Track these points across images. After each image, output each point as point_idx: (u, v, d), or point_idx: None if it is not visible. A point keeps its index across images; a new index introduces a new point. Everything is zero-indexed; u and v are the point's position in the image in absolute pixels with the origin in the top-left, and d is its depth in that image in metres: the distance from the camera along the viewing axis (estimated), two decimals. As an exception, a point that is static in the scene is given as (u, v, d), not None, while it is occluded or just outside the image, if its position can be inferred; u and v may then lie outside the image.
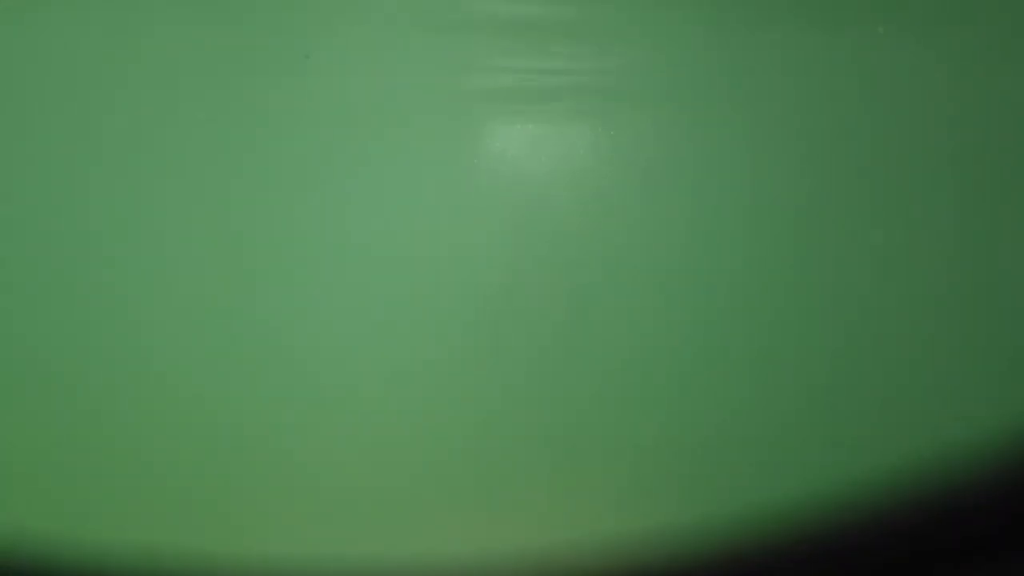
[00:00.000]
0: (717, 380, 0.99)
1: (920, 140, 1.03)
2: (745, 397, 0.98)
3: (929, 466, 0.80)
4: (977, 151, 1.03)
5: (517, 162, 1.05)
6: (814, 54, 1.04)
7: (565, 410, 0.98)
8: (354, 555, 0.93)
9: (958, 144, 1.03)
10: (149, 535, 0.91)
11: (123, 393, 0.98)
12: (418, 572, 0.87)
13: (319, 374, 0.99)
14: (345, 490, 0.97)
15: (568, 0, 1.06)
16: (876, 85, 1.05)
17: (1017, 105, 1.03)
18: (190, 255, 1.01)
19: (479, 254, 1.02)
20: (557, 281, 1.01)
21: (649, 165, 1.04)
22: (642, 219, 1.03)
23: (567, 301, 1.01)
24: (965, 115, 1.04)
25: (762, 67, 1.05)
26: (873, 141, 1.04)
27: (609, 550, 0.89)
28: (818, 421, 0.96)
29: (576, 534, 0.94)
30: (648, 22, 1.05)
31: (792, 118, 1.05)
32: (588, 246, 1.02)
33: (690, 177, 1.04)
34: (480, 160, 1.04)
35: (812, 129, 1.04)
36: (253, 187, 1.03)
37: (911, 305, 0.99)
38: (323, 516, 0.96)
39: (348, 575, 0.89)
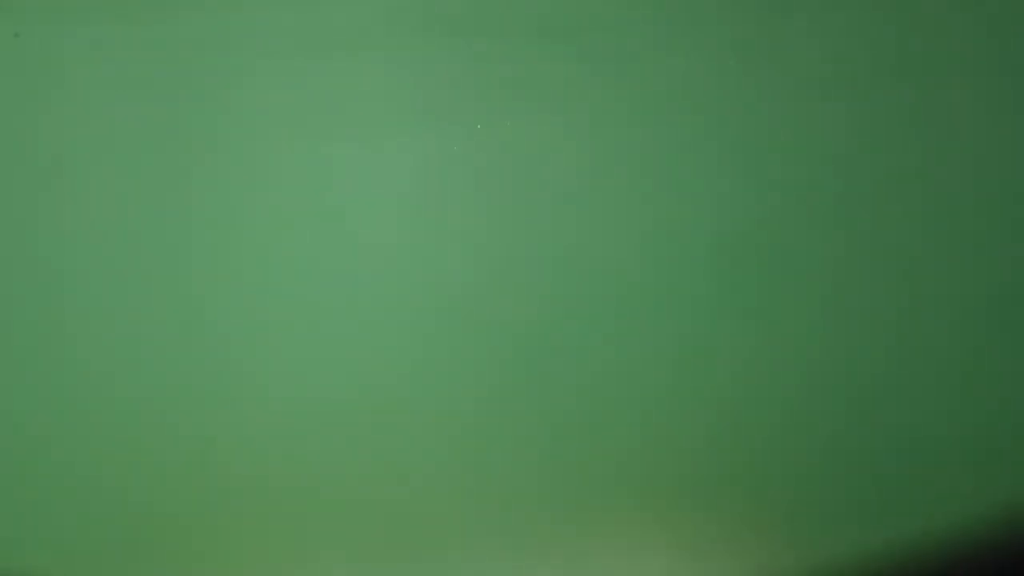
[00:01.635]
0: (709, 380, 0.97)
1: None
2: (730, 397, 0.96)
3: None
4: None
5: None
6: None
7: (551, 409, 0.97)
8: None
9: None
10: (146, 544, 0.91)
11: (120, 389, 0.97)
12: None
13: (303, 379, 0.98)
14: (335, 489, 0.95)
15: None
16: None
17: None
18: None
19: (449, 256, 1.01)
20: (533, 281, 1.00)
21: (619, 160, 1.03)
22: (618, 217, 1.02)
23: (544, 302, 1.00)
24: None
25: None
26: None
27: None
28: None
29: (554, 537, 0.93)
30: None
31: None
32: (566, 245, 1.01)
33: (662, 174, 1.03)
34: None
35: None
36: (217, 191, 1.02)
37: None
38: (314, 516, 0.95)
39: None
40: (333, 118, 1.05)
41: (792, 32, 1.07)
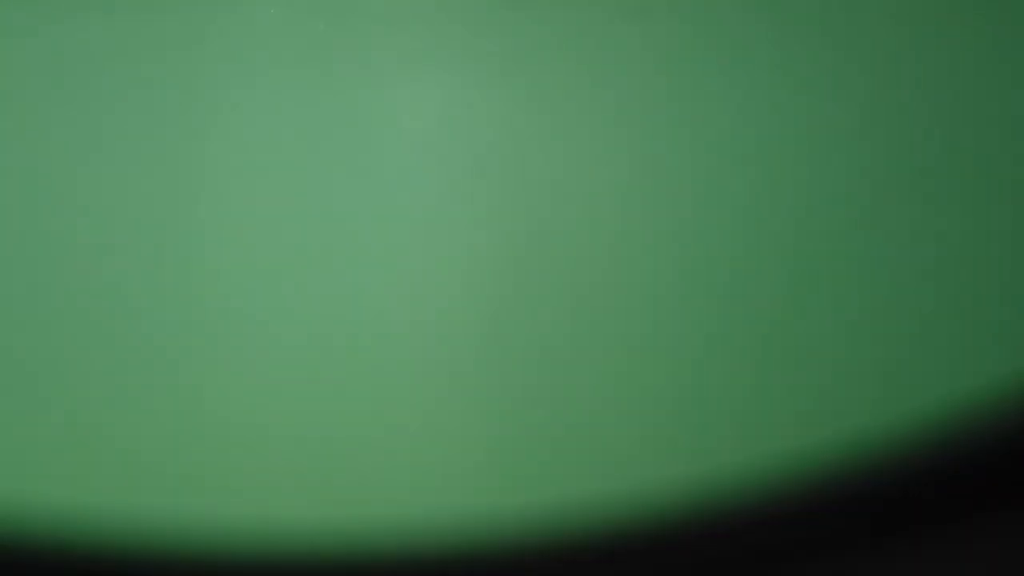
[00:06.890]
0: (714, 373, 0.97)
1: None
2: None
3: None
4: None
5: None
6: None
7: (561, 406, 0.96)
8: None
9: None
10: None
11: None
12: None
13: (312, 371, 0.97)
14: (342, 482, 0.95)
15: None
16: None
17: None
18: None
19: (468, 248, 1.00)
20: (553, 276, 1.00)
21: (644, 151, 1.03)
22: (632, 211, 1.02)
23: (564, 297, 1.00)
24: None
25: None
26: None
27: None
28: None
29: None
30: None
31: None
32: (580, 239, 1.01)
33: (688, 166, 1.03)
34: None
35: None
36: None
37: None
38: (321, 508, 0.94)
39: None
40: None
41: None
